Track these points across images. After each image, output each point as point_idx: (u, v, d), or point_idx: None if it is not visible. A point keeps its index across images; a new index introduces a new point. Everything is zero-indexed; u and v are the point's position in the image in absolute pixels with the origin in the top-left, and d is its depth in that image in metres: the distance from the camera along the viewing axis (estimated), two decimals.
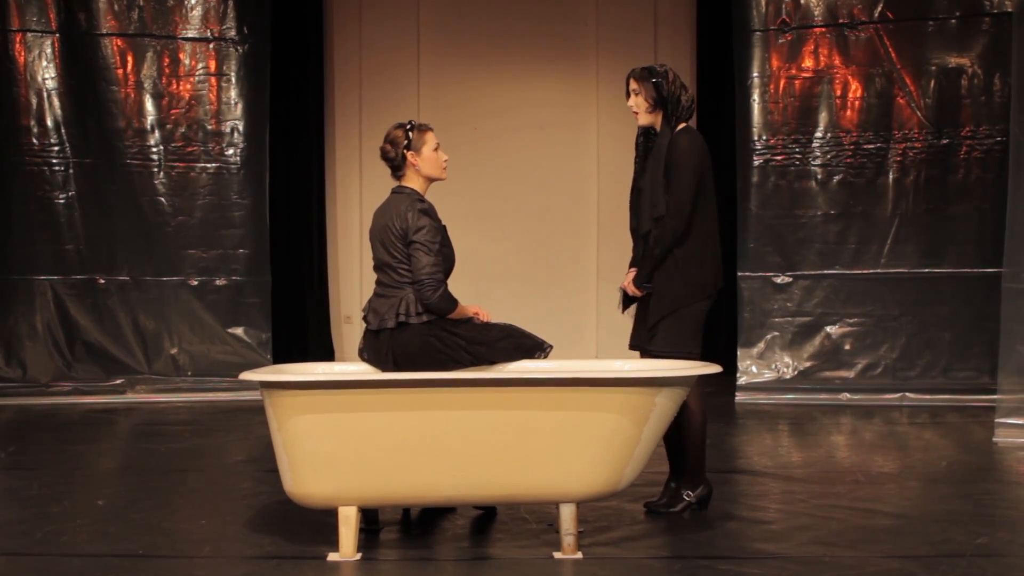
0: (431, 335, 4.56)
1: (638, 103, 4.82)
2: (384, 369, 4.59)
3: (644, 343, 4.85)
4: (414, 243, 4.57)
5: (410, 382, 4.10)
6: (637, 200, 4.91)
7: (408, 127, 4.74)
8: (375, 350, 4.64)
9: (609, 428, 4.10)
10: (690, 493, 4.82)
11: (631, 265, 4.95)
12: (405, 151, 4.71)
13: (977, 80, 8.53)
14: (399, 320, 4.56)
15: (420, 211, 4.61)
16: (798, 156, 8.75)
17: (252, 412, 7.95)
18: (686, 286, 4.75)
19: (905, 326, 8.66)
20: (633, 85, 4.83)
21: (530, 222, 10.82)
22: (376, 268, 4.74)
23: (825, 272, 8.74)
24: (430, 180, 4.76)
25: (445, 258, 4.66)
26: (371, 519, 4.55)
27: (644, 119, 4.84)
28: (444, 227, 4.73)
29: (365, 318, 4.71)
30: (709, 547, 4.32)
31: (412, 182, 4.74)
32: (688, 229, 4.74)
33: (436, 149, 4.76)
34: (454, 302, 4.62)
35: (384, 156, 4.77)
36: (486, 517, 4.77)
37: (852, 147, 8.69)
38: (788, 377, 8.72)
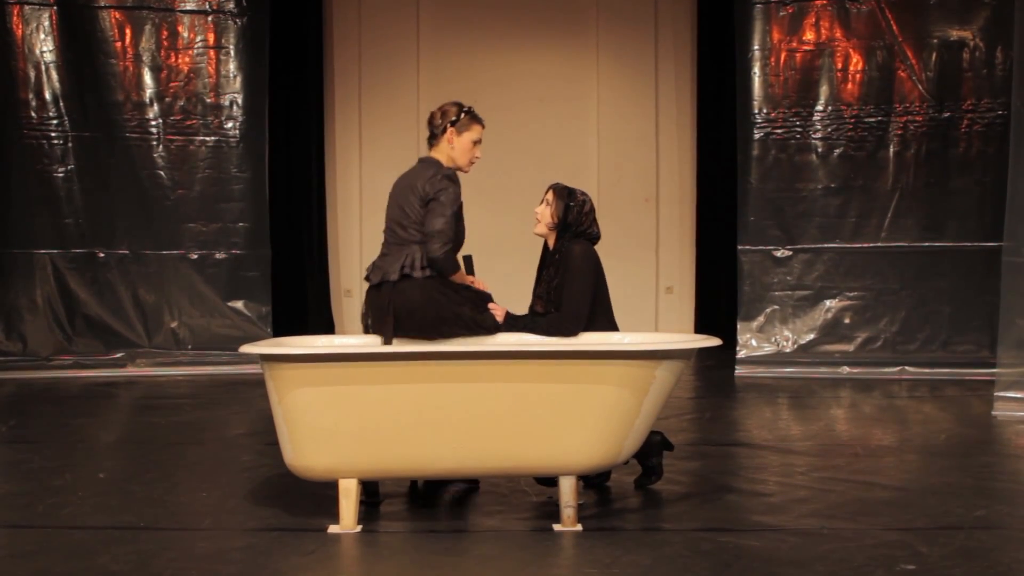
0: (434, 289, 4.59)
1: (543, 214, 4.87)
2: (382, 325, 4.60)
3: None
4: (434, 200, 4.61)
5: (410, 355, 4.10)
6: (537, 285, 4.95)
7: (466, 109, 4.78)
8: (376, 305, 4.65)
9: (609, 401, 4.10)
10: (654, 458, 4.85)
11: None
12: (450, 126, 4.74)
13: (979, 53, 8.50)
14: (403, 272, 4.60)
15: (446, 176, 4.67)
16: (799, 129, 8.73)
17: (252, 385, 7.97)
18: None
19: (905, 300, 8.67)
20: (549, 196, 4.88)
21: (530, 195, 10.76)
22: (386, 229, 4.77)
23: (825, 246, 8.74)
24: (454, 164, 4.78)
25: (457, 231, 4.68)
26: (371, 491, 4.56)
27: (540, 229, 4.90)
28: (462, 203, 4.75)
29: (367, 277, 4.74)
30: (708, 519, 4.33)
31: (439, 155, 4.77)
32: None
33: (476, 143, 4.79)
34: (457, 267, 4.67)
35: (429, 121, 4.81)
36: (469, 491, 4.77)
37: (853, 120, 8.67)
38: (788, 351, 8.74)
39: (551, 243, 4.91)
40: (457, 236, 4.69)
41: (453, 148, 4.74)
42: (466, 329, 4.64)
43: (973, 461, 5.46)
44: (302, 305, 10.51)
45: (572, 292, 4.73)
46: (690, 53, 10.93)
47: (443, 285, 4.61)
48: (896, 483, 4.96)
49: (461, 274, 4.70)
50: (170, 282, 9.14)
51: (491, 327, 4.69)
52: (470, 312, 4.64)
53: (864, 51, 8.68)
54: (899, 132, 8.62)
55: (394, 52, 10.80)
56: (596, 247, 4.88)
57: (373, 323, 4.70)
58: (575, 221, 4.83)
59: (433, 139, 4.79)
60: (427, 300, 4.56)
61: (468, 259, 4.92)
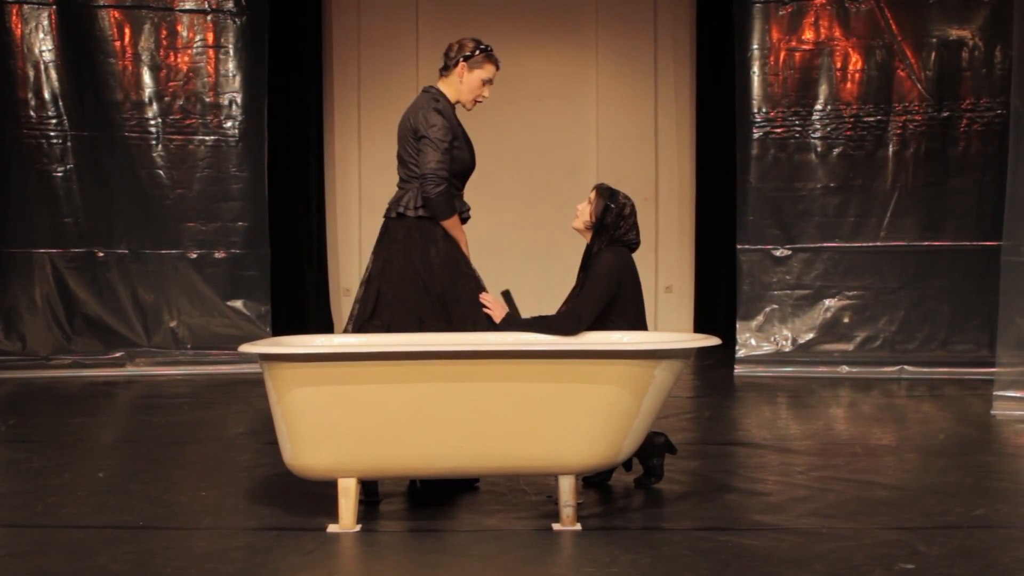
0: (417, 229, 4.67)
1: (583, 211, 4.87)
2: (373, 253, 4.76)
3: None
4: (423, 138, 4.67)
5: (410, 354, 4.10)
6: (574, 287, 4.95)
7: (483, 47, 4.83)
8: (379, 237, 4.80)
9: (608, 400, 4.10)
10: (655, 459, 4.85)
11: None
12: (463, 60, 4.80)
13: (978, 52, 8.50)
14: (398, 211, 4.71)
15: (435, 110, 4.71)
16: (798, 129, 8.73)
17: (251, 384, 7.96)
18: None
19: (904, 299, 8.67)
20: (592, 195, 4.88)
21: (528, 194, 10.80)
22: (397, 161, 4.86)
23: (824, 245, 8.74)
24: (458, 99, 4.84)
25: (456, 159, 4.73)
26: (371, 491, 4.56)
27: (577, 224, 4.90)
28: (464, 131, 4.80)
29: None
30: (708, 518, 4.33)
31: (445, 88, 4.84)
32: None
33: (485, 83, 4.84)
34: (453, 210, 4.69)
35: (446, 51, 4.88)
36: (468, 489, 4.78)
37: (852, 120, 8.67)
38: (787, 350, 8.74)
39: (587, 238, 4.91)
40: (458, 163, 4.74)
41: (461, 83, 4.80)
42: (421, 279, 4.65)
43: (972, 460, 5.46)
44: (301, 304, 10.51)
45: (584, 294, 4.73)
46: (689, 53, 10.93)
47: (428, 232, 4.66)
48: (895, 482, 4.96)
49: (458, 224, 4.73)
50: (169, 281, 9.13)
51: (440, 295, 4.66)
52: (439, 262, 4.66)
53: (863, 50, 8.68)
54: (898, 131, 8.63)
55: (393, 51, 10.80)
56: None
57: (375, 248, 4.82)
58: (612, 224, 4.82)
59: (445, 70, 4.85)
60: (407, 236, 4.66)
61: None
